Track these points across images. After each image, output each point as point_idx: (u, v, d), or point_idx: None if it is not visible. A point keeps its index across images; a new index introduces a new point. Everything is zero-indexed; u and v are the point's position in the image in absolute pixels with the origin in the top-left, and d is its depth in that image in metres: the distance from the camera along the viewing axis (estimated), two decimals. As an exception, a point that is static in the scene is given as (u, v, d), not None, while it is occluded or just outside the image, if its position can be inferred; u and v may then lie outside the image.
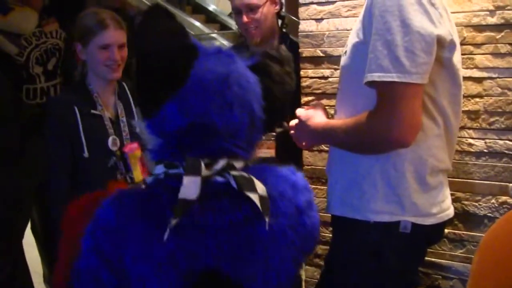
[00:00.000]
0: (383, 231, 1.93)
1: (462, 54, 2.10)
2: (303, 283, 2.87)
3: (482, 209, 2.41)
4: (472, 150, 2.39)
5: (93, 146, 2.54)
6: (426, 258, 2.24)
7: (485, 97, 2.33)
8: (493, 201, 2.38)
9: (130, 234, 1.45)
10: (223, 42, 8.61)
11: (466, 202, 2.43)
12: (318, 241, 1.73)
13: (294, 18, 3.17)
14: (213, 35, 9.01)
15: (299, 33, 2.74)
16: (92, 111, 2.57)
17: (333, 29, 2.63)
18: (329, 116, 2.13)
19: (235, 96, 1.53)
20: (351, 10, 2.57)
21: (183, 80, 1.50)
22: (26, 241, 2.88)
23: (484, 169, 2.38)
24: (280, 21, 3.11)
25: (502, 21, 2.25)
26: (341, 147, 2.01)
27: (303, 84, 2.75)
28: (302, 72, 2.73)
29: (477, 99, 2.34)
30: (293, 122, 2.16)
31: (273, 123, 1.76)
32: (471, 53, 2.32)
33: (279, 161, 1.87)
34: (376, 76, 1.76)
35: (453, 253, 2.49)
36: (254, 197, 1.48)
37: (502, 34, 2.26)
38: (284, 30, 3.11)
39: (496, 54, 2.28)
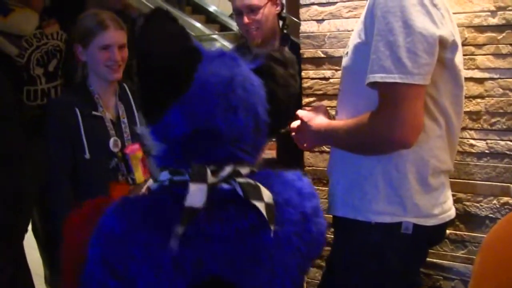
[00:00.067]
0: (384, 232, 1.93)
1: (464, 55, 2.10)
2: (305, 284, 2.86)
3: (483, 210, 2.41)
4: (474, 151, 2.39)
5: (95, 147, 2.54)
6: (428, 259, 2.24)
7: (487, 98, 2.33)
8: (494, 202, 2.38)
9: (135, 242, 1.43)
10: (224, 43, 8.60)
11: (467, 203, 2.43)
12: (324, 247, 1.71)
13: (295, 19, 3.17)
14: (214, 36, 9.01)
15: (300, 34, 2.74)
16: (93, 112, 2.57)
17: (334, 30, 2.63)
18: (330, 117, 2.12)
19: (239, 100, 1.51)
20: (352, 11, 2.57)
21: (186, 84, 1.49)
22: (27, 243, 2.88)
23: (486, 170, 2.38)
24: (281, 22, 3.11)
25: (504, 21, 2.25)
26: (343, 148, 2.01)
27: (304, 85, 2.74)
28: (303, 73, 2.73)
29: (479, 100, 2.34)
30: (295, 124, 2.16)
31: (278, 126, 1.75)
32: (472, 54, 2.32)
33: (280, 162, 1.86)
34: (378, 77, 1.76)
35: (455, 254, 2.49)
36: (260, 205, 1.47)
37: (504, 34, 2.26)
38: (285, 31, 3.11)
39: (498, 55, 2.28)
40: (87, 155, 2.52)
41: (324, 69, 2.68)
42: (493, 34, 2.28)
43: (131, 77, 2.68)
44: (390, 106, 1.77)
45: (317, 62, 2.70)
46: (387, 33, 1.76)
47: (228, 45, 8.27)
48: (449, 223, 2.08)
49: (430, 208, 1.93)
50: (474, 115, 2.36)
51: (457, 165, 2.33)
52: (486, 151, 2.36)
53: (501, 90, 2.30)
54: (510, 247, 1.28)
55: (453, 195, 2.11)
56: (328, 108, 2.25)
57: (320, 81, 2.68)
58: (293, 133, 2.18)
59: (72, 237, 1.81)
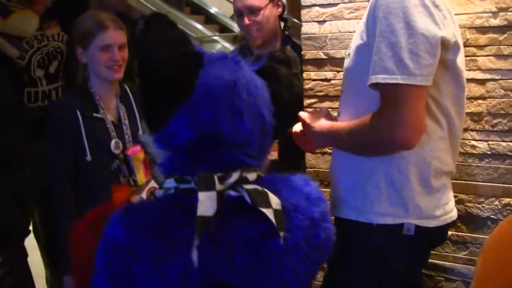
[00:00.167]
0: (386, 233, 1.93)
1: (465, 56, 2.10)
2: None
3: (485, 211, 2.41)
4: (475, 152, 2.39)
5: (96, 149, 2.54)
6: (429, 260, 2.24)
7: (488, 99, 2.33)
8: (496, 203, 2.38)
9: (141, 252, 1.42)
10: (224, 44, 8.60)
11: (469, 204, 2.43)
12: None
13: (296, 20, 3.17)
14: (215, 37, 9.00)
15: (302, 36, 2.74)
16: (94, 114, 2.57)
17: (335, 31, 2.63)
18: (332, 119, 2.12)
19: (244, 104, 1.50)
20: (353, 12, 2.56)
21: (189, 90, 1.47)
22: (28, 244, 2.88)
23: (487, 171, 2.38)
24: (282, 24, 3.11)
25: (505, 22, 2.25)
26: (345, 150, 2.01)
27: (306, 86, 2.74)
28: (304, 75, 2.73)
29: (480, 101, 2.34)
30: (297, 126, 2.16)
31: (283, 127, 1.74)
32: (474, 55, 2.32)
33: (282, 163, 1.86)
34: (380, 78, 1.76)
35: (456, 255, 2.49)
36: (269, 212, 1.45)
37: (505, 35, 2.26)
38: (286, 32, 3.11)
39: (499, 56, 2.28)
40: (89, 157, 2.51)
41: (326, 71, 2.68)
42: (495, 35, 2.28)
43: (132, 78, 2.68)
44: (392, 107, 1.77)
45: (318, 64, 2.69)
46: (389, 34, 1.76)
47: (229, 46, 8.28)
48: (451, 225, 2.08)
49: (432, 209, 1.93)
50: (476, 116, 2.36)
51: (459, 166, 2.33)
52: (488, 152, 2.36)
53: (502, 91, 2.29)
54: (512, 248, 1.28)
55: (454, 196, 2.10)
56: (329, 109, 2.25)
57: (322, 83, 2.68)
58: (295, 135, 2.18)
59: (78, 248, 1.80)
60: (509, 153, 2.32)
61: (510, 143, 2.31)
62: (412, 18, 1.74)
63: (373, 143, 1.86)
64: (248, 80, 1.54)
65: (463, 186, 2.41)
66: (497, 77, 2.30)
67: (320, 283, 2.22)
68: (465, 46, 2.18)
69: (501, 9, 2.25)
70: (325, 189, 2.58)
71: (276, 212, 1.46)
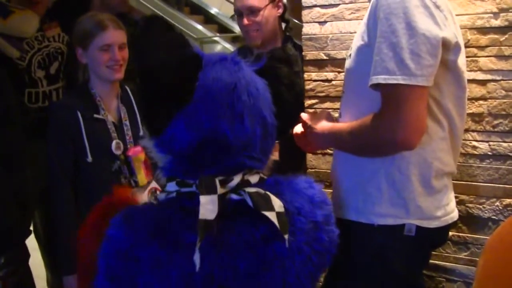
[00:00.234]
0: (387, 234, 1.93)
1: (466, 57, 2.10)
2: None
3: (486, 211, 2.41)
4: (476, 152, 2.39)
5: (97, 150, 2.53)
6: (430, 260, 2.24)
7: (489, 100, 2.32)
8: (497, 203, 2.38)
9: (141, 255, 1.42)
10: (225, 45, 8.60)
11: (470, 205, 2.43)
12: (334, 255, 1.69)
13: (297, 21, 3.16)
14: (215, 38, 9.00)
15: (303, 36, 2.74)
16: (95, 115, 2.56)
17: (336, 32, 2.63)
18: (334, 121, 2.12)
19: (244, 106, 1.49)
20: (354, 13, 2.56)
21: (188, 94, 1.47)
22: (28, 245, 2.87)
23: (488, 172, 2.38)
24: (284, 25, 3.11)
25: (506, 23, 2.25)
26: (346, 150, 2.01)
27: (307, 87, 2.74)
28: (305, 75, 2.73)
29: (481, 102, 2.34)
30: (298, 126, 2.16)
31: (285, 127, 1.74)
32: (475, 56, 2.32)
33: (283, 164, 1.85)
34: (381, 79, 1.76)
35: (457, 256, 2.49)
36: (271, 215, 1.45)
37: (506, 36, 2.26)
38: (287, 33, 3.11)
39: (500, 57, 2.28)
40: (89, 158, 2.51)
41: (327, 71, 2.67)
42: (496, 36, 2.28)
43: (133, 79, 2.68)
44: (393, 108, 1.77)
45: (319, 64, 2.69)
46: (390, 35, 1.76)
47: (229, 47, 8.27)
48: (452, 225, 2.08)
49: (433, 210, 1.93)
50: (477, 117, 2.36)
51: (460, 167, 2.33)
52: (489, 153, 2.36)
53: (503, 92, 2.29)
54: (513, 249, 1.28)
55: (455, 197, 2.10)
56: (330, 110, 2.25)
57: (323, 83, 2.68)
58: (296, 137, 2.18)
59: (82, 248, 1.80)
60: (510, 154, 2.32)
61: (511, 144, 2.31)
62: (413, 18, 1.74)
63: (374, 143, 1.86)
64: (248, 82, 1.53)
65: (464, 186, 2.41)
66: (498, 78, 2.30)
67: (321, 283, 2.22)
68: (466, 46, 2.18)
69: (502, 10, 2.25)
70: (326, 190, 2.58)
71: (279, 214, 1.46)
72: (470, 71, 2.29)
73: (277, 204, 1.48)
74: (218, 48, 8.66)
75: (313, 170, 2.78)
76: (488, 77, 2.31)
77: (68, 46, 3.32)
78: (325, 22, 2.66)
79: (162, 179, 1.62)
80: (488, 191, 2.38)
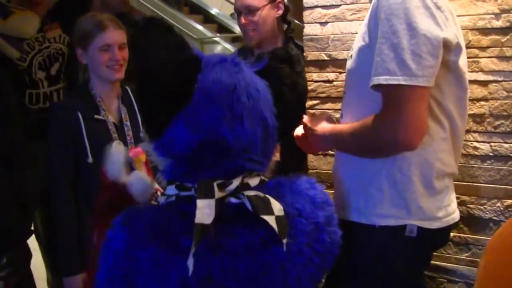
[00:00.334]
0: (388, 235, 1.93)
1: (468, 58, 2.10)
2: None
3: (487, 212, 2.40)
4: (478, 153, 2.39)
5: (97, 151, 2.52)
6: (432, 261, 2.23)
7: (491, 101, 2.32)
8: (498, 204, 2.38)
9: (141, 257, 1.42)
10: (225, 45, 8.59)
11: (471, 206, 2.43)
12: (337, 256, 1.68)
13: (298, 22, 3.16)
14: (216, 38, 9.00)
15: (304, 37, 2.74)
16: (96, 116, 2.56)
17: (337, 32, 2.63)
18: (335, 122, 2.12)
19: (244, 107, 1.48)
20: (355, 14, 2.56)
21: (187, 97, 1.46)
22: (29, 246, 2.88)
23: (490, 173, 2.38)
24: (285, 26, 3.11)
25: (508, 24, 2.25)
26: (347, 151, 2.01)
27: (308, 87, 2.74)
28: (306, 76, 2.73)
29: (483, 103, 2.34)
30: (298, 128, 2.16)
31: (288, 128, 1.73)
32: (476, 57, 2.32)
33: (284, 165, 1.85)
34: (382, 79, 1.76)
35: (459, 257, 2.49)
36: (270, 219, 1.44)
37: (508, 37, 2.26)
38: (289, 35, 3.11)
39: (502, 58, 2.28)
40: (90, 159, 2.51)
41: (328, 72, 2.67)
42: (497, 37, 2.28)
43: (134, 79, 2.67)
44: (394, 108, 1.77)
45: (320, 65, 2.69)
46: (391, 36, 1.76)
47: (229, 47, 8.27)
48: (453, 226, 2.07)
49: (434, 211, 1.93)
50: (478, 118, 2.36)
51: (461, 167, 2.33)
52: (490, 154, 2.36)
53: (505, 92, 2.29)
54: (515, 250, 1.28)
55: (457, 198, 2.10)
56: (331, 111, 2.25)
57: (324, 84, 2.68)
58: (297, 139, 2.17)
59: (91, 244, 1.80)
60: (511, 155, 2.32)
61: (512, 145, 2.32)
62: (414, 19, 1.74)
63: (375, 144, 1.86)
64: (248, 83, 1.53)
65: (465, 187, 2.41)
66: (499, 79, 2.30)
67: (321, 284, 2.21)
68: (467, 47, 2.18)
69: (503, 11, 2.25)
70: (327, 191, 2.58)
71: (278, 218, 1.45)
72: (472, 72, 2.29)
73: (277, 207, 1.47)
74: (218, 48, 8.66)
75: (314, 171, 2.78)
76: (490, 78, 2.31)
77: (68, 47, 3.31)
78: (326, 22, 2.66)
79: (162, 182, 1.61)
80: (489, 192, 2.38)
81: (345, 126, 1.98)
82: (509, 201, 2.34)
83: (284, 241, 1.45)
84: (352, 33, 2.56)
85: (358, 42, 1.96)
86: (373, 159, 1.93)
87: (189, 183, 1.51)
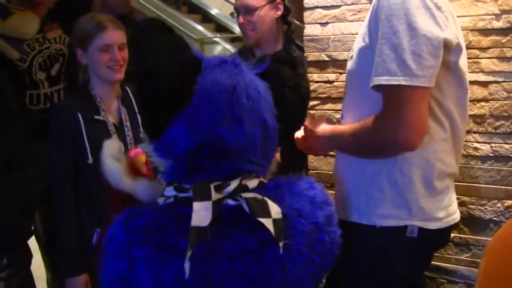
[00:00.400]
0: (389, 235, 1.93)
1: (468, 58, 2.10)
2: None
3: (487, 213, 2.40)
4: (478, 154, 2.39)
5: (98, 152, 2.51)
6: (432, 262, 2.23)
7: (491, 101, 2.33)
8: (498, 205, 2.38)
9: (137, 255, 1.43)
10: (224, 45, 8.59)
11: (471, 206, 2.43)
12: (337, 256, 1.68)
13: (298, 23, 3.16)
14: (216, 39, 9.00)
15: (304, 37, 2.74)
16: (95, 116, 2.55)
17: (338, 33, 2.63)
18: (335, 123, 2.12)
19: (244, 109, 1.48)
20: (356, 14, 2.56)
21: (186, 98, 1.46)
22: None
23: (490, 173, 2.38)
24: (286, 27, 3.11)
25: (508, 25, 2.25)
26: (348, 152, 2.01)
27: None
28: (307, 76, 2.74)
29: (483, 103, 2.34)
30: (299, 131, 2.16)
31: (290, 130, 1.72)
32: (477, 57, 2.32)
33: (284, 165, 1.85)
34: (383, 80, 1.76)
35: (459, 257, 2.49)
36: (268, 222, 1.43)
37: (508, 38, 2.26)
38: (290, 36, 3.10)
39: (502, 58, 2.28)
40: (90, 160, 2.50)
41: (328, 72, 2.67)
42: (498, 38, 2.28)
43: (134, 79, 2.67)
44: (395, 109, 1.77)
45: (321, 66, 2.69)
46: (391, 36, 1.76)
47: (229, 48, 8.27)
48: (454, 227, 2.07)
49: (435, 211, 1.93)
50: (479, 119, 2.36)
51: (462, 168, 2.33)
52: (491, 155, 2.36)
53: (505, 93, 2.29)
54: (516, 250, 1.28)
55: (457, 198, 2.10)
56: (332, 111, 2.25)
57: (324, 85, 2.68)
58: (297, 141, 2.17)
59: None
60: (511, 155, 2.31)
61: (512, 145, 2.32)
62: (414, 19, 1.74)
63: (376, 145, 1.86)
64: (247, 84, 1.52)
65: (465, 188, 2.41)
66: (500, 79, 2.30)
67: (322, 284, 2.21)
68: (468, 48, 2.18)
69: (504, 11, 2.25)
70: (328, 191, 2.59)
71: (275, 221, 1.44)
72: (472, 72, 2.29)
73: (275, 210, 1.46)
74: (218, 48, 8.66)
75: (315, 171, 2.78)
76: (490, 78, 2.32)
77: (69, 47, 3.31)
78: (326, 23, 2.67)
79: (163, 184, 1.61)
80: (490, 192, 2.38)
81: (345, 127, 1.98)
82: (509, 202, 2.34)
83: (281, 244, 1.44)
84: (353, 34, 2.56)
85: (358, 43, 1.95)
86: (373, 159, 1.93)
87: (187, 185, 1.51)
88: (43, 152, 2.60)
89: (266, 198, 1.48)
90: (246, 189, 1.52)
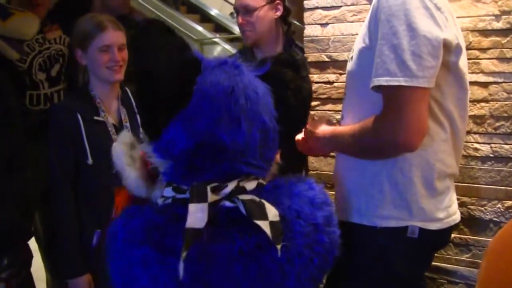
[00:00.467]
0: (390, 236, 1.93)
1: (468, 59, 2.09)
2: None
3: (487, 213, 2.40)
4: (478, 154, 2.39)
5: (97, 152, 2.52)
6: (432, 262, 2.23)
7: (491, 102, 2.33)
8: (498, 205, 2.38)
9: (135, 259, 1.44)
10: (225, 46, 8.59)
11: (471, 207, 2.43)
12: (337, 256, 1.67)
13: (298, 23, 3.16)
14: (216, 39, 8.99)
15: (304, 38, 2.74)
16: (95, 117, 2.55)
17: (338, 34, 2.63)
18: (335, 124, 2.12)
19: (242, 110, 1.48)
20: (356, 15, 2.56)
21: (185, 99, 1.46)
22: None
23: (490, 174, 2.38)
24: (286, 27, 3.10)
25: (508, 26, 2.25)
26: (348, 153, 2.01)
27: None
28: (307, 77, 2.74)
29: (483, 104, 2.34)
30: (299, 134, 2.16)
31: (291, 132, 1.72)
32: (477, 58, 2.32)
33: (284, 166, 1.84)
34: (383, 80, 1.76)
35: (459, 258, 2.49)
36: (264, 224, 1.42)
37: (508, 38, 2.26)
38: (290, 37, 3.10)
39: (502, 59, 2.28)
40: (90, 160, 2.50)
41: (328, 73, 2.67)
42: (498, 38, 2.28)
43: (133, 80, 2.67)
44: (395, 109, 1.77)
45: (321, 66, 2.69)
46: (391, 37, 1.76)
47: (229, 48, 8.26)
48: (454, 227, 2.07)
49: (435, 212, 1.92)
50: (479, 119, 2.36)
51: (462, 169, 2.33)
52: (491, 155, 2.36)
53: (505, 94, 2.30)
54: (516, 251, 1.28)
55: (457, 199, 2.10)
56: (332, 112, 2.25)
57: (324, 85, 2.68)
58: (297, 143, 2.17)
59: None
60: (511, 156, 2.31)
61: (512, 146, 2.32)
62: (414, 20, 1.74)
63: (376, 145, 1.86)
64: (246, 85, 1.52)
65: (465, 188, 2.41)
66: (500, 80, 2.30)
67: (322, 284, 2.21)
68: (468, 49, 2.18)
69: (504, 12, 2.25)
70: (328, 192, 2.59)
71: (272, 224, 1.43)
72: (472, 73, 2.29)
73: (272, 212, 1.46)
74: (217, 49, 8.66)
75: (315, 172, 2.78)
76: (490, 79, 2.32)
77: (69, 48, 3.31)
78: (327, 24, 2.67)
79: (163, 184, 1.61)
80: (490, 193, 2.38)
81: (345, 128, 1.98)
82: (509, 202, 2.34)
83: (278, 246, 1.43)
84: (353, 35, 2.56)
85: (358, 44, 1.95)
86: (374, 160, 1.93)
87: (185, 186, 1.51)
88: (43, 152, 2.60)
89: (263, 201, 1.47)
90: (243, 191, 1.52)
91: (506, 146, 2.32)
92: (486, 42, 2.30)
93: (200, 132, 1.46)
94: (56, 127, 2.55)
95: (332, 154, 2.62)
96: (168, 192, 1.55)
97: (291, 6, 3.03)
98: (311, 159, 2.77)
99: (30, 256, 2.63)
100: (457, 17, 1.96)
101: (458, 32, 1.91)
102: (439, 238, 2.02)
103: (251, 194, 1.50)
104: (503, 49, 2.27)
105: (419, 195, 1.89)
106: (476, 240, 2.44)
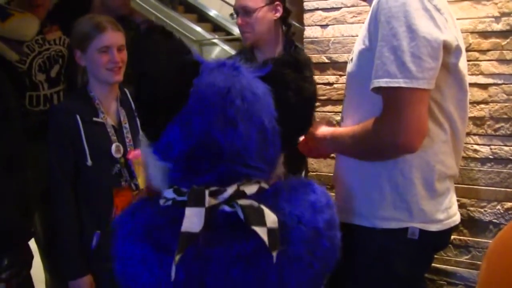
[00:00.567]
0: (390, 237, 1.93)
1: (468, 61, 2.09)
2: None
3: (487, 215, 2.41)
4: (478, 156, 2.39)
5: (97, 154, 2.52)
6: (432, 264, 2.23)
7: (491, 103, 2.33)
8: (498, 207, 2.38)
9: (136, 253, 1.44)
10: (223, 47, 8.59)
11: (471, 208, 2.43)
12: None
13: (298, 25, 3.16)
14: (215, 40, 8.99)
15: (304, 39, 2.74)
16: (94, 118, 2.54)
17: (338, 35, 2.63)
18: (335, 126, 2.12)
19: (238, 111, 1.47)
20: (356, 17, 2.57)
21: (182, 100, 1.46)
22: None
23: (490, 175, 2.38)
24: (286, 29, 3.10)
25: (508, 27, 2.25)
26: (348, 154, 2.01)
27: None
28: (307, 78, 2.73)
29: (483, 105, 2.34)
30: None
31: (295, 134, 1.71)
32: (476, 60, 2.32)
33: (285, 167, 1.84)
34: (383, 82, 1.76)
35: (459, 259, 2.49)
36: (262, 231, 1.40)
37: (508, 40, 2.26)
38: (290, 38, 3.10)
39: (502, 61, 2.29)
40: (89, 162, 2.49)
41: (328, 74, 2.68)
42: (497, 40, 2.29)
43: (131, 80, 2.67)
44: (394, 111, 1.77)
45: (321, 67, 2.69)
46: (391, 38, 1.76)
47: (228, 49, 8.26)
48: (454, 229, 2.07)
49: (435, 213, 1.93)
50: (478, 121, 2.36)
51: (461, 170, 2.33)
52: (490, 157, 2.36)
53: (505, 95, 2.30)
54: (517, 253, 1.27)
55: (457, 200, 2.10)
56: (332, 113, 2.25)
57: (324, 86, 2.68)
58: (298, 144, 2.17)
59: None
60: (511, 158, 2.32)
61: (512, 148, 2.32)
62: (413, 21, 1.74)
63: (376, 147, 1.86)
64: (244, 86, 1.51)
65: (465, 190, 2.41)
66: (499, 82, 2.30)
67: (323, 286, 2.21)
68: (467, 50, 2.19)
69: (503, 14, 2.25)
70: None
71: (270, 230, 1.41)
72: (472, 75, 2.30)
73: (270, 219, 1.43)
74: (216, 49, 8.65)
75: (315, 173, 2.78)
76: (490, 81, 2.32)
77: (68, 49, 3.30)
78: (327, 25, 2.67)
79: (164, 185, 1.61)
80: (489, 194, 2.39)
81: (345, 129, 1.98)
82: (509, 204, 2.35)
83: (274, 253, 1.41)
84: (353, 36, 2.56)
85: (358, 45, 1.95)
86: (374, 162, 1.93)
87: (185, 188, 1.51)
88: (43, 153, 2.59)
89: (263, 206, 1.45)
90: (243, 195, 1.50)
91: (506, 148, 2.32)
92: (485, 43, 2.31)
93: (196, 133, 1.45)
94: (56, 128, 2.55)
95: (332, 155, 2.62)
96: (169, 193, 1.54)
97: (291, 7, 3.04)
98: (310, 160, 2.77)
99: (30, 256, 2.63)
100: (457, 19, 1.96)
101: (458, 34, 1.91)
102: (439, 240, 2.02)
103: (251, 199, 1.49)
104: (503, 51, 2.27)
105: (419, 197, 1.89)
106: (476, 241, 2.44)
